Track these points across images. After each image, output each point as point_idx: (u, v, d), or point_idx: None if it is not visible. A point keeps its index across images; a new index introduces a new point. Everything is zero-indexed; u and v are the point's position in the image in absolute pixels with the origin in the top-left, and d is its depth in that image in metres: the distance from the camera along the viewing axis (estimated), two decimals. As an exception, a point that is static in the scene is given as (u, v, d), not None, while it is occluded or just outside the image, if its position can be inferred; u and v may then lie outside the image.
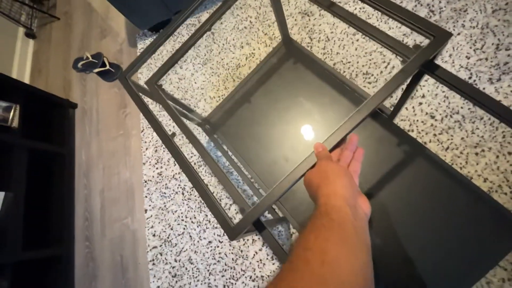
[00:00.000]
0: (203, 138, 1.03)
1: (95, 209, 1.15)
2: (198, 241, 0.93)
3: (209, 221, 0.94)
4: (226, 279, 0.85)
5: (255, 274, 0.82)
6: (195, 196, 0.98)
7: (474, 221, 0.60)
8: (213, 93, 1.07)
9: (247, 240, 0.87)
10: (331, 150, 0.40)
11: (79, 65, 1.39)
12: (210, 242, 0.91)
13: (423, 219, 0.64)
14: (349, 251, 0.25)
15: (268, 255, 0.83)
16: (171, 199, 1.02)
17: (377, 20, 0.92)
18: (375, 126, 0.73)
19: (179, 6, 1.19)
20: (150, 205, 1.04)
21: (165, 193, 1.04)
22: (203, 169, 1.00)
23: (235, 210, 0.92)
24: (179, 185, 1.02)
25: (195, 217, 0.96)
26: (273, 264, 0.82)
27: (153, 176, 1.08)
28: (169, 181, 1.04)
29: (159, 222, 1.01)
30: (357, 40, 0.93)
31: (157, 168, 1.08)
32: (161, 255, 0.97)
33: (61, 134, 1.28)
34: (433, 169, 0.67)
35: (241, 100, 0.92)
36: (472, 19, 0.82)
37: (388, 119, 0.72)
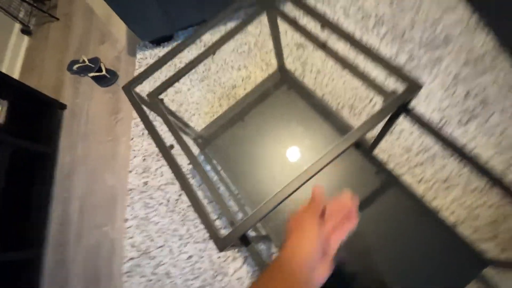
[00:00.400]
0: (194, 151, 1.05)
1: (73, 213, 1.12)
2: (178, 255, 0.93)
3: (191, 235, 0.94)
4: (204, 295, 0.85)
5: (233, 291, 0.83)
6: (180, 208, 0.99)
7: (439, 251, 0.66)
8: (207, 109, 1.11)
9: (228, 257, 0.88)
10: (318, 171, 0.44)
11: (75, 67, 1.39)
12: (190, 256, 0.91)
13: (393, 245, 0.69)
14: None
15: (248, 272, 0.85)
16: (155, 210, 1.02)
17: (364, 60, 1.01)
18: (356, 156, 0.80)
19: (182, 24, 1.25)
20: (132, 215, 1.03)
21: (149, 203, 1.03)
22: (190, 181, 1.01)
23: (218, 225, 0.93)
24: (164, 196, 1.03)
25: (177, 230, 0.96)
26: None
27: (138, 185, 1.07)
28: (155, 191, 1.05)
29: (139, 233, 1.00)
30: (345, 75, 1.01)
31: (143, 177, 1.08)
32: (138, 267, 0.95)
33: (47, 134, 1.25)
34: (405, 199, 0.73)
35: (235, 118, 0.96)
36: (447, 68, 0.93)
37: (368, 150, 0.79)
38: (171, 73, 0.70)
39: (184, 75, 0.69)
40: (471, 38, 0.95)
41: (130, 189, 1.08)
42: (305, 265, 0.30)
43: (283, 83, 0.96)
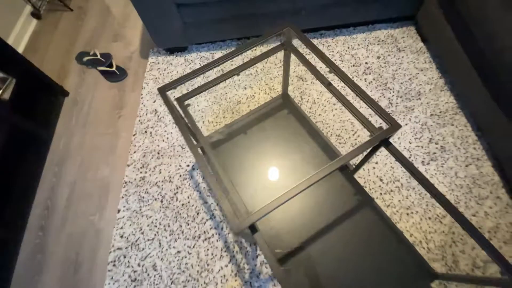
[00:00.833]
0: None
1: (61, 200, 1.13)
2: (167, 249, 0.98)
3: (182, 232, 1.00)
4: (188, 289, 0.90)
5: None
6: (174, 206, 1.05)
7: (401, 264, 0.80)
8: (212, 119, 1.21)
9: (215, 255, 0.95)
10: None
11: (85, 59, 1.44)
12: (179, 252, 0.97)
13: (363, 256, 0.82)
14: None
15: (232, 271, 0.92)
16: (148, 204, 1.07)
17: (353, 99, 1.20)
18: (340, 177, 0.94)
19: (198, 39, 1.37)
20: (125, 206, 1.07)
21: (143, 197, 1.08)
22: (187, 182, 1.09)
23: (210, 225, 1.00)
24: (160, 192, 1.08)
25: (169, 226, 1.02)
26: (235, 281, 0.90)
27: (135, 179, 1.12)
28: (151, 187, 1.10)
29: (130, 225, 1.03)
30: (336, 109, 1.18)
31: (141, 172, 1.13)
32: (124, 257, 0.98)
33: (45, 117, 1.27)
34: (377, 219, 0.87)
35: (238, 130, 1.07)
36: (417, 116, 1.14)
37: (350, 173, 0.93)
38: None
39: (210, 87, 0.80)
40: (437, 96, 1.17)
41: (126, 182, 1.12)
42: None
43: (284, 107, 1.11)
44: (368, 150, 0.79)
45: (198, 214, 1.03)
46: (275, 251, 0.86)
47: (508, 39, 0.82)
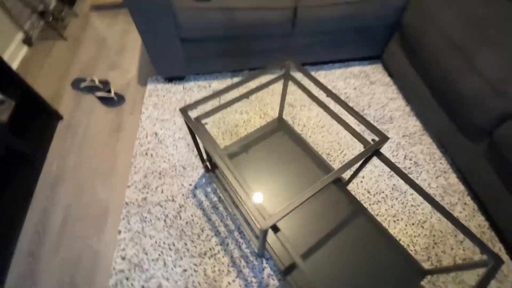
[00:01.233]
0: (199, 172, 1.18)
1: (54, 224, 1.08)
2: (172, 269, 0.97)
3: (188, 250, 1.01)
4: (196, 307, 0.89)
5: (226, 302, 0.90)
6: (178, 224, 1.07)
7: (394, 264, 0.89)
8: (212, 140, 1.29)
9: (222, 270, 0.97)
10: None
11: (82, 85, 1.48)
12: (185, 270, 0.97)
13: (360, 259, 0.91)
14: None
15: (240, 286, 0.94)
16: (151, 224, 1.07)
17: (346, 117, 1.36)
18: (335, 189, 1.05)
19: (197, 70, 1.50)
20: (126, 227, 1.06)
21: (146, 217, 1.08)
22: (190, 200, 1.12)
23: (215, 242, 1.03)
24: (163, 212, 1.10)
25: (173, 244, 1.02)
26: (244, 295, 0.92)
27: (136, 200, 1.13)
28: (153, 207, 1.11)
29: (132, 246, 1.02)
30: (324, 132, 1.34)
31: (142, 193, 1.14)
32: (127, 279, 0.95)
33: (38, 139, 1.25)
34: (371, 225, 0.98)
35: (239, 150, 1.16)
36: (392, 137, 1.32)
37: (343, 185, 1.05)
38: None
39: (222, 109, 0.90)
40: (406, 120, 1.39)
41: (127, 203, 1.12)
42: None
43: (279, 129, 1.23)
44: (360, 163, 0.93)
45: (202, 231, 1.05)
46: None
47: (460, 73, 1.05)
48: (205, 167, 1.13)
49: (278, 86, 1.52)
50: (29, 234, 1.06)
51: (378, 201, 1.12)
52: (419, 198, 1.13)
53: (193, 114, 1.26)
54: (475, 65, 1.00)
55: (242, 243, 1.03)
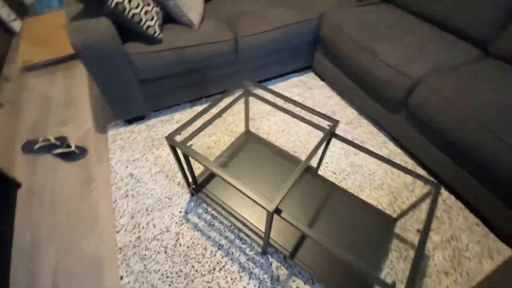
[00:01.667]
0: (186, 198, 1.24)
1: (43, 294, 1.00)
2: (186, 293, 0.99)
3: (197, 271, 1.04)
4: (221, 318, 0.93)
5: (247, 304, 0.96)
6: (180, 251, 1.09)
7: (371, 220, 1.09)
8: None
9: (235, 278, 1.03)
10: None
11: (36, 147, 1.41)
12: (199, 290, 1.00)
13: (345, 223, 1.09)
14: None
15: (255, 286, 1.01)
16: (153, 259, 1.07)
17: (301, 113, 1.59)
18: (308, 176, 1.23)
19: (157, 106, 1.57)
20: (127, 271, 1.04)
21: (145, 254, 1.08)
22: (185, 226, 1.16)
23: (220, 255, 1.08)
24: (161, 244, 1.11)
25: (181, 271, 1.05)
26: (260, 292, 0.99)
27: (130, 241, 1.12)
28: (149, 242, 1.12)
29: (139, 286, 1.01)
30: (285, 135, 1.54)
31: (134, 233, 1.14)
32: (143, 320, 0.94)
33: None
34: (345, 196, 1.17)
35: (221, 164, 1.27)
36: (339, 126, 1.59)
37: (315, 172, 1.24)
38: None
39: (200, 132, 1.01)
40: (344, 110, 1.69)
41: (120, 248, 1.10)
42: None
43: (249, 140, 1.38)
44: (323, 147, 1.13)
45: (206, 249, 1.10)
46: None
47: (371, 65, 1.37)
48: (191, 190, 1.20)
49: (236, 106, 1.69)
50: (15, 314, 0.95)
51: (344, 178, 1.34)
52: (373, 167, 1.39)
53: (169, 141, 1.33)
54: (380, 58, 1.34)
55: (245, 248, 1.11)
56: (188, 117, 1.61)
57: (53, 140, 1.43)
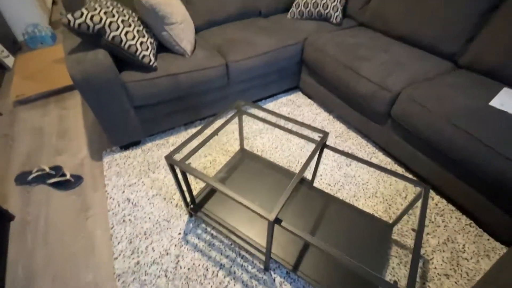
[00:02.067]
0: (184, 219, 1.23)
1: (37, 331, 0.95)
2: (189, 317, 0.96)
3: (199, 292, 1.02)
4: None
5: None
6: (181, 273, 1.07)
7: (369, 227, 1.12)
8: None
9: (238, 297, 1.01)
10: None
11: (29, 178, 1.40)
12: (203, 312, 0.97)
13: (344, 232, 1.11)
14: None
15: (259, 303, 0.99)
16: (153, 284, 1.05)
17: (292, 127, 1.64)
18: (304, 189, 1.26)
19: (150, 132, 1.61)
20: (127, 298, 1.01)
21: (145, 280, 1.06)
22: (184, 248, 1.15)
23: (223, 275, 1.07)
24: (161, 268, 1.09)
25: (183, 294, 1.02)
26: (266, 309, 0.98)
27: (128, 267, 1.09)
28: (149, 267, 1.09)
29: (140, 313, 0.97)
30: (279, 151, 1.58)
31: (133, 259, 1.12)
32: None
33: (-9, 248, 1.11)
34: (343, 205, 1.20)
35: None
36: (329, 139, 1.66)
37: (310, 184, 1.28)
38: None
39: (198, 149, 1.05)
40: (333, 125, 1.76)
41: (119, 275, 1.07)
42: None
43: (245, 158, 1.42)
44: (316, 159, 1.17)
45: (207, 270, 1.09)
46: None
47: (355, 82, 1.48)
48: (190, 211, 1.21)
49: (230, 126, 1.75)
50: None
51: (339, 189, 1.38)
52: (366, 176, 1.44)
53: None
54: (362, 74, 1.44)
55: (247, 266, 1.10)
56: (183, 140, 1.65)
57: (47, 170, 1.42)
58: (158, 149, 1.59)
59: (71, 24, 1.14)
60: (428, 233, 1.20)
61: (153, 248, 1.15)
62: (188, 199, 1.20)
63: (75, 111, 1.92)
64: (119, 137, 1.49)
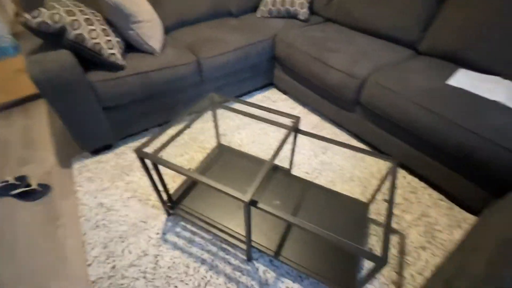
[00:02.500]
0: (162, 219, 1.19)
1: None
2: (171, 316, 0.92)
3: (180, 290, 0.98)
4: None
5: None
6: (160, 273, 1.03)
7: (346, 207, 1.14)
8: (166, 181, 1.34)
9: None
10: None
11: (-9, 190, 1.30)
12: (185, 309, 0.94)
13: (324, 214, 1.13)
14: None
15: (243, 293, 0.97)
16: (131, 287, 1.00)
17: (266, 115, 1.65)
18: (284, 176, 1.27)
19: (122, 135, 1.56)
20: (103, 304, 0.95)
21: (122, 284, 1.00)
22: (163, 247, 1.11)
23: (204, 270, 1.04)
24: (139, 270, 1.04)
25: (163, 293, 0.98)
26: (250, 299, 0.96)
27: (104, 272, 1.03)
28: (126, 270, 1.04)
29: (117, 318, 0.92)
30: (256, 144, 1.59)
31: (108, 263, 1.06)
32: None
33: None
34: (321, 190, 1.22)
35: (193, 183, 1.27)
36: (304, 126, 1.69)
37: (288, 172, 1.29)
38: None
39: (170, 142, 1.03)
40: (308, 117, 1.80)
41: (93, 281, 1.01)
42: None
43: (223, 152, 1.41)
44: (292, 146, 1.19)
45: (188, 267, 1.05)
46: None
47: (324, 73, 1.52)
48: (167, 208, 1.17)
49: (206, 124, 1.73)
50: None
51: (316, 176, 1.40)
52: (341, 162, 1.47)
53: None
54: (330, 65, 1.49)
55: (230, 258, 1.08)
56: (157, 141, 1.61)
57: (11, 181, 1.33)
58: (131, 152, 1.54)
59: (29, 23, 1.09)
60: (403, 210, 1.24)
61: (129, 250, 1.10)
62: (165, 197, 1.17)
63: (41, 120, 1.83)
64: (89, 142, 1.43)
